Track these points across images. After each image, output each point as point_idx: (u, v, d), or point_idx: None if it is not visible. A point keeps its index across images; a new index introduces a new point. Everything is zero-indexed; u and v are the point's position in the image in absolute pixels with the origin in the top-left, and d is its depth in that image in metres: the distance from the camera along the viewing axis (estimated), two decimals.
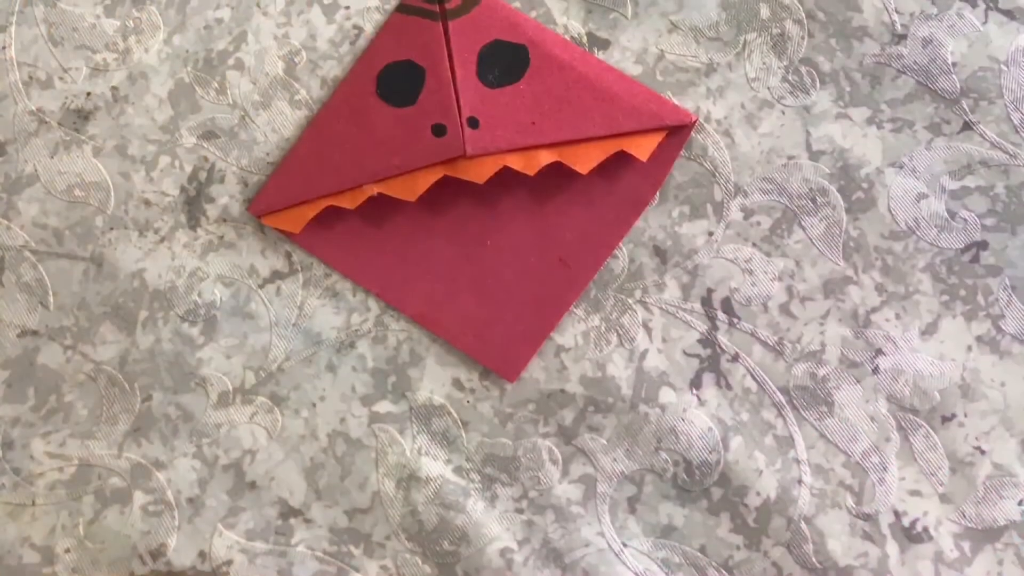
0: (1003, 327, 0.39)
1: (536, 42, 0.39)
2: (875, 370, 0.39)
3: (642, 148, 0.39)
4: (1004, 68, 0.39)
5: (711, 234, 0.39)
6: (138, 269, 0.40)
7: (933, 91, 0.39)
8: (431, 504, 0.39)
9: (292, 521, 0.40)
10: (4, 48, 0.41)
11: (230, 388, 0.40)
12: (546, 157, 0.38)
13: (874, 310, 0.39)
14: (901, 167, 0.39)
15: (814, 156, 0.39)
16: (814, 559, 0.38)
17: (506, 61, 0.39)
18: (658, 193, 0.40)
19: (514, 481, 0.39)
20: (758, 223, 0.39)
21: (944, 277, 0.39)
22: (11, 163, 0.40)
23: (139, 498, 0.40)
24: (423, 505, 0.39)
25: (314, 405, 0.40)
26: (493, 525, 0.39)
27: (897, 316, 0.39)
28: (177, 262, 0.40)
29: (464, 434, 0.40)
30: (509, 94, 0.39)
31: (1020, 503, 0.38)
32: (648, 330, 0.39)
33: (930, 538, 0.38)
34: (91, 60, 0.41)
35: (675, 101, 0.40)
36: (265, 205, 0.40)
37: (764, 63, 0.40)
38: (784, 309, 0.39)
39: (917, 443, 0.38)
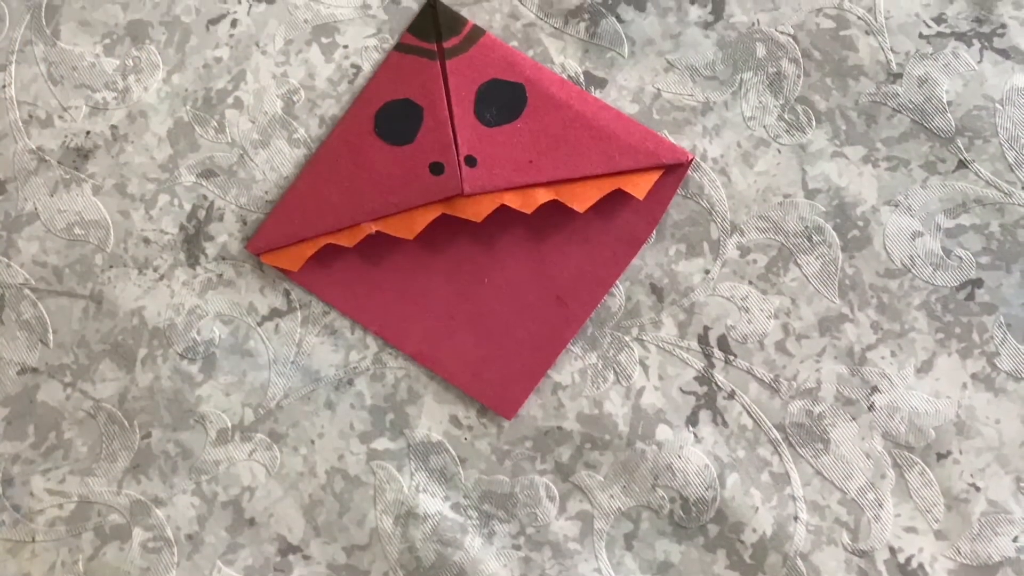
0: (998, 365, 0.39)
1: (533, 81, 0.39)
2: (871, 407, 0.39)
3: (639, 186, 0.39)
4: (999, 107, 0.39)
5: (707, 272, 0.40)
6: (137, 307, 0.40)
7: (928, 130, 0.39)
8: (429, 541, 0.39)
9: (291, 558, 0.40)
10: (4, 87, 0.41)
11: (229, 425, 0.40)
12: (543, 196, 0.39)
13: (870, 348, 0.39)
14: (896, 205, 0.39)
15: (810, 194, 0.39)
16: None
17: (504, 100, 0.39)
18: (655, 231, 0.40)
19: (511, 518, 0.40)
20: (754, 261, 0.40)
21: (939, 315, 0.39)
22: (11, 201, 0.41)
23: (138, 535, 0.40)
24: (421, 542, 0.39)
25: (312, 442, 0.40)
26: (491, 561, 0.39)
27: (893, 354, 0.39)
28: (176, 300, 0.40)
29: (462, 471, 0.40)
30: (507, 133, 0.39)
31: (1015, 540, 0.38)
32: (645, 368, 0.40)
33: (925, 575, 0.38)
34: (91, 99, 0.41)
35: (672, 140, 0.40)
36: (264, 243, 0.40)
37: (760, 102, 0.40)
38: (780, 347, 0.39)
39: (912, 480, 0.39)
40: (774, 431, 0.39)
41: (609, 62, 0.40)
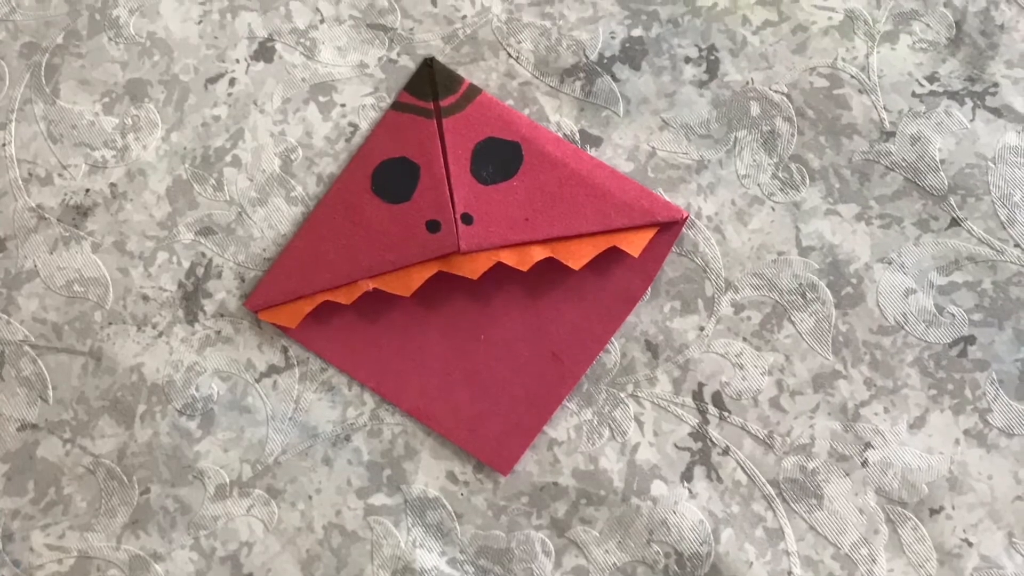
0: (990, 421, 0.39)
1: (529, 139, 0.40)
2: (864, 463, 0.39)
3: (634, 244, 0.39)
4: (991, 165, 0.39)
5: (702, 329, 0.40)
6: (136, 363, 0.41)
7: (921, 188, 0.40)
8: None
9: None
10: (4, 145, 0.41)
11: (227, 481, 0.40)
12: (539, 253, 0.39)
13: (863, 404, 0.39)
14: (890, 263, 0.40)
15: (804, 252, 0.40)
16: None
17: (500, 158, 0.39)
18: (650, 288, 0.40)
19: (508, 573, 0.40)
20: (748, 318, 0.40)
21: (932, 371, 0.39)
22: (11, 259, 0.41)
23: None
24: None
25: (310, 498, 0.40)
26: None
27: (886, 410, 0.39)
28: (175, 356, 0.41)
29: (458, 526, 0.40)
30: (503, 191, 0.39)
31: None
32: (640, 424, 0.40)
33: None
34: (90, 157, 0.41)
35: (666, 197, 0.40)
36: (262, 300, 0.40)
37: (754, 160, 0.40)
38: (774, 403, 0.40)
39: (905, 535, 0.39)
40: (768, 487, 0.39)
41: (604, 121, 0.41)
